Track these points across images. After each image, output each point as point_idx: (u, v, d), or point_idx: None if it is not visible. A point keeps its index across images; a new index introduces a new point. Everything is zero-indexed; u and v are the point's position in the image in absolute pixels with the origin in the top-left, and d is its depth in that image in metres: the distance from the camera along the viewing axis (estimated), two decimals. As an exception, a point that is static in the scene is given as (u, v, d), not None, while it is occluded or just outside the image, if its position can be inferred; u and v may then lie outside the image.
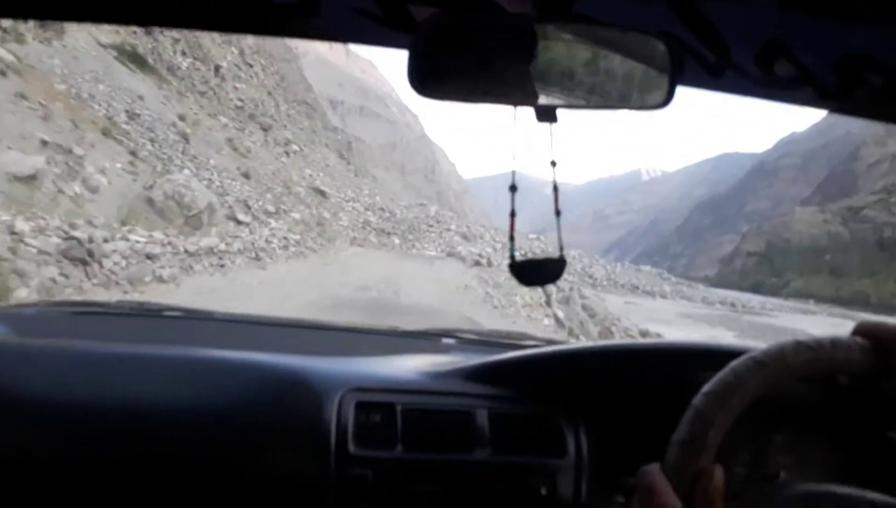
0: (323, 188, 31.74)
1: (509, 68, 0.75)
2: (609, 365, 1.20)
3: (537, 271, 0.93)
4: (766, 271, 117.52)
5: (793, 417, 0.89)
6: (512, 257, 0.88)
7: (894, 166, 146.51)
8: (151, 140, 19.22)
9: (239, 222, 17.62)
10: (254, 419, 1.06)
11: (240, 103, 37.26)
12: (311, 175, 34.74)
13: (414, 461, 1.07)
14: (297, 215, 23.20)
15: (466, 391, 1.17)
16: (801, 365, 0.63)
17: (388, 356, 1.35)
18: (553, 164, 0.83)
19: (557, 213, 0.90)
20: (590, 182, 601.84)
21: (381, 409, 1.10)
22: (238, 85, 38.97)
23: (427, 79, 0.74)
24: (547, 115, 0.78)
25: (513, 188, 0.86)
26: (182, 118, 24.03)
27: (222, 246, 14.11)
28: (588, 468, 1.12)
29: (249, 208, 19.61)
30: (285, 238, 18.73)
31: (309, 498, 1.03)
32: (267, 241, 17.25)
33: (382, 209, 35.96)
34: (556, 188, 0.84)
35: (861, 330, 0.64)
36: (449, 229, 35.78)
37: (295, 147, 38.66)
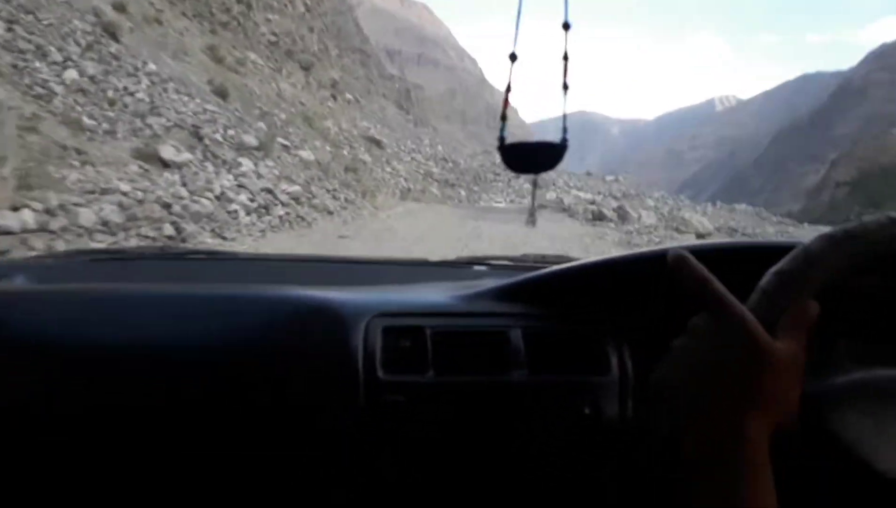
0: (378, 137, 29.93)
1: None
2: (653, 272, 1.05)
3: (530, 157, 0.89)
4: (861, 201, 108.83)
5: (857, 311, 0.83)
6: (501, 138, 0.86)
7: None
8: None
9: (165, 165, 10.77)
10: (277, 352, 1.04)
11: (273, 38, 33.72)
12: (366, 126, 32.84)
13: (447, 384, 1.04)
14: (307, 155, 18.24)
15: (499, 310, 1.13)
16: (887, 240, 0.60)
17: (417, 285, 1.33)
18: (566, 27, 0.76)
19: (565, 87, 0.84)
20: (660, 116, 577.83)
21: (410, 333, 1.07)
22: (270, 16, 34.78)
23: None
24: None
25: (513, 57, 0.80)
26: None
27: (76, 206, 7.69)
28: (633, 384, 1.07)
29: (201, 139, 13.08)
30: (270, 192, 12.16)
31: (340, 427, 1.01)
32: (223, 197, 10.70)
33: (445, 159, 33.81)
34: (566, 57, 0.79)
35: None
36: (517, 177, 33.46)
37: (349, 96, 36.44)
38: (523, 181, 32.50)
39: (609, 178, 40.32)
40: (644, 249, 1.24)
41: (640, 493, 1.06)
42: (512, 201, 28.64)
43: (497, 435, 1.04)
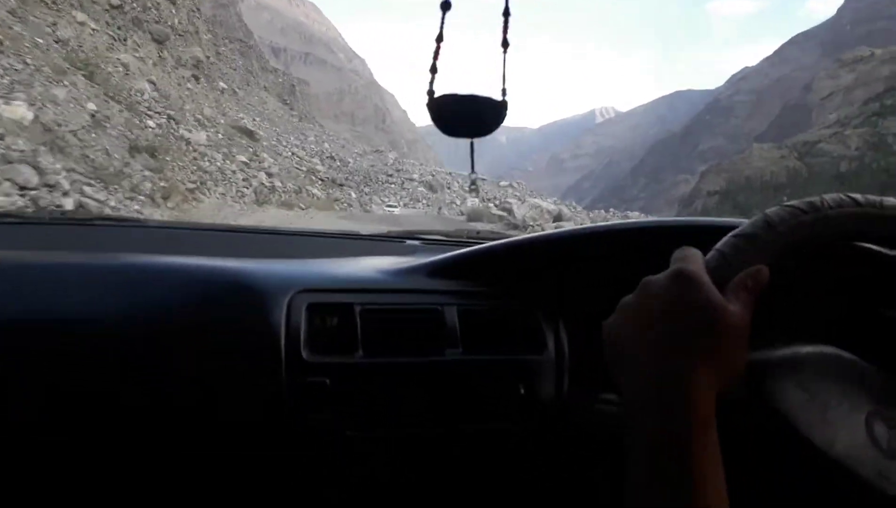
0: (252, 128, 26.36)
1: None
2: (589, 249, 1.09)
3: (467, 113, 0.84)
4: (729, 210, 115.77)
5: (790, 291, 0.80)
6: (430, 91, 0.81)
7: (847, 99, 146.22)
8: None
9: None
10: (192, 327, 0.96)
11: (116, 1, 27.58)
12: (240, 116, 29.03)
13: (377, 365, 0.98)
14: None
15: (433, 287, 1.08)
16: (840, 218, 0.61)
17: (346, 258, 1.25)
18: (506, 13, 0.77)
19: (505, 44, 0.82)
20: (544, 126, 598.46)
21: (338, 310, 1.00)
22: None
23: None
24: None
25: (445, 5, 0.78)
26: None
27: None
28: (570, 364, 1.05)
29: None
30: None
31: (260, 411, 0.94)
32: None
33: (332, 157, 30.82)
34: (506, 13, 0.78)
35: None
36: (412, 179, 31.08)
37: (223, 84, 32.27)
38: (417, 183, 30.21)
39: (503, 183, 39.01)
40: (581, 225, 1.19)
41: (573, 471, 1.05)
42: (406, 205, 26.14)
43: (430, 418, 0.99)
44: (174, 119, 22.24)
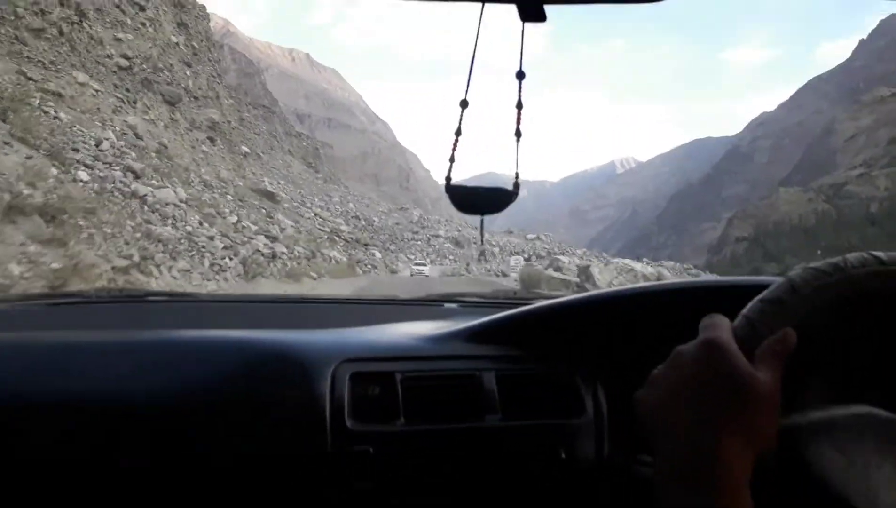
0: (272, 190, 26.30)
1: None
2: (625, 312, 1.11)
3: (478, 198, 0.88)
4: (759, 256, 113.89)
5: (828, 351, 0.82)
6: (448, 178, 0.86)
7: (870, 140, 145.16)
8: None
9: None
10: (240, 400, 0.98)
11: (124, 62, 26.57)
12: (259, 179, 29.07)
13: (418, 432, 0.99)
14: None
15: (471, 353, 1.09)
16: (866, 278, 0.61)
17: (385, 325, 1.28)
18: (520, 76, 0.79)
19: (517, 134, 0.85)
20: (565, 178, 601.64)
21: (380, 379, 1.02)
22: (120, 35, 27.34)
23: None
24: (533, 13, 0.68)
25: (463, 104, 0.83)
26: None
27: None
28: (609, 426, 1.05)
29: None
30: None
31: (306, 479, 0.96)
32: None
33: (357, 217, 30.91)
34: (519, 106, 0.81)
35: None
36: (437, 236, 30.97)
37: (245, 148, 32.60)
38: (443, 240, 29.93)
39: (530, 236, 38.65)
40: (615, 288, 1.21)
41: None
42: (433, 262, 25.81)
43: (471, 484, 1.00)
44: (134, 172, 19.34)
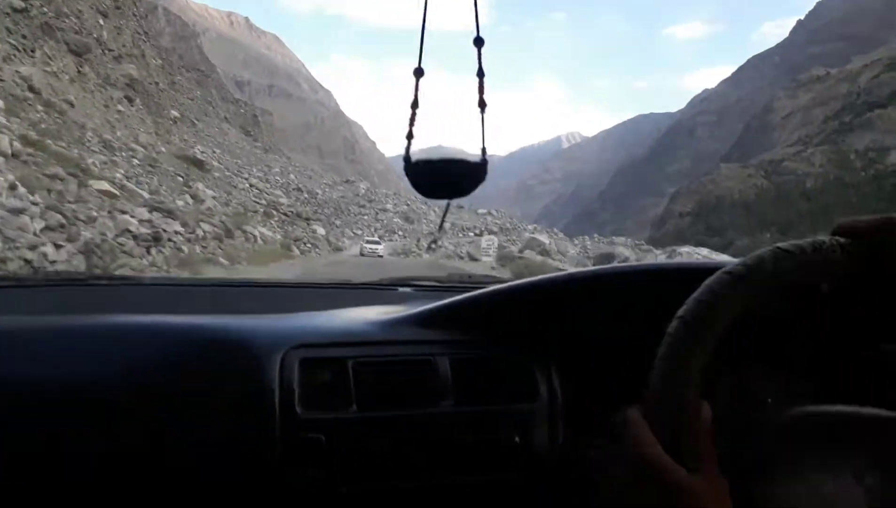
0: (201, 158, 23.38)
1: None
2: (577, 295, 1.11)
3: (445, 177, 0.85)
4: (703, 230, 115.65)
5: (771, 340, 0.86)
6: (407, 158, 0.84)
7: (807, 117, 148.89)
8: None
9: None
10: (186, 387, 0.97)
11: (19, 3, 22.62)
12: (189, 145, 26.06)
13: (371, 419, 0.99)
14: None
15: (424, 338, 1.09)
16: (783, 273, 0.60)
17: (337, 310, 1.25)
18: (478, 42, 0.78)
19: (481, 104, 0.83)
20: (512, 152, 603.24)
21: (331, 365, 1.01)
22: None
23: None
24: None
25: (418, 72, 0.79)
26: None
27: None
28: (563, 410, 1.06)
29: None
30: None
31: (255, 468, 0.94)
32: None
33: (299, 189, 28.64)
34: (480, 74, 0.79)
35: (840, 229, 0.62)
36: (385, 210, 29.00)
37: (174, 113, 29.15)
38: (392, 215, 27.91)
39: (481, 211, 36.98)
40: (570, 269, 1.23)
41: None
42: (382, 238, 23.80)
43: (425, 470, 1.00)
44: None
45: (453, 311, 1.13)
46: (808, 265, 0.59)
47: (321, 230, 24.06)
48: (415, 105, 0.80)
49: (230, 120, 46.97)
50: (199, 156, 24.11)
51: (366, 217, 27.50)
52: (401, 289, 1.64)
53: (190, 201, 20.75)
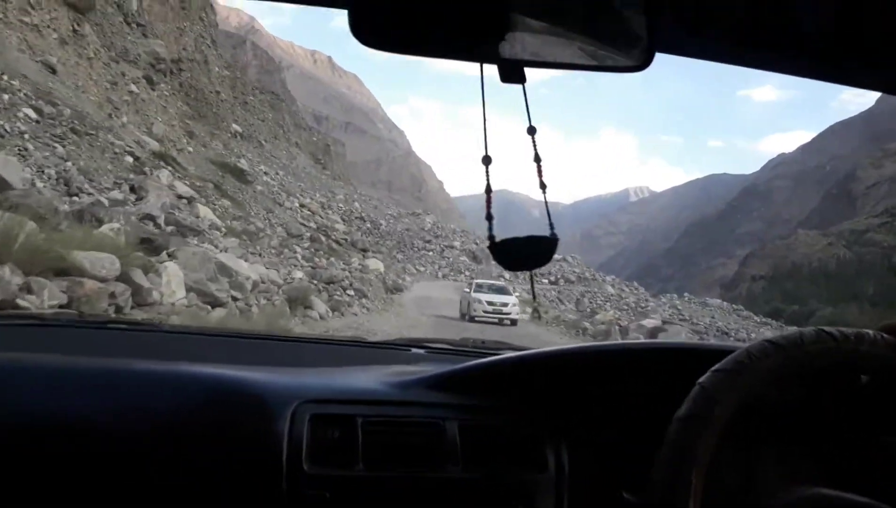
0: (242, 168, 21.86)
1: (468, 18, 0.67)
2: (592, 369, 1.12)
3: (522, 252, 0.90)
4: (777, 296, 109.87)
5: (781, 427, 0.87)
6: (491, 236, 0.86)
7: (893, 189, 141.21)
8: None
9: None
10: (195, 436, 0.98)
11: None
12: (244, 155, 24.65)
13: (377, 479, 0.99)
14: None
15: (434, 401, 1.09)
16: (820, 354, 0.61)
17: (349, 367, 1.28)
18: (531, 131, 0.82)
19: (542, 186, 0.88)
20: (577, 201, 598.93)
21: (340, 423, 1.01)
22: None
23: (372, 25, 0.65)
24: (513, 74, 0.71)
25: (486, 160, 0.83)
26: None
27: None
28: (570, 483, 1.05)
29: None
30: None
31: None
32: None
33: (362, 218, 27.53)
34: (537, 159, 0.83)
35: (888, 327, 0.64)
36: (452, 246, 27.59)
37: (235, 127, 28.53)
38: (458, 253, 26.37)
39: (556, 257, 35.16)
40: (583, 345, 1.21)
41: None
42: (446, 277, 22.23)
43: None
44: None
45: (466, 375, 1.12)
46: (847, 353, 0.60)
47: (376, 264, 21.47)
48: (488, 190, 0.83)
49: (301, 146, 47.06)
50: (243, 167, 22.57)
51: (430, 253, 26.11)
52: (414, 350, 1.62)
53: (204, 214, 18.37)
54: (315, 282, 17.01)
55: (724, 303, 40.77)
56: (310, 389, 1.04)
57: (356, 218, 27.62)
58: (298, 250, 21.04)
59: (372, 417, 1.01)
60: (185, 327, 1.81)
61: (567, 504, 1.02)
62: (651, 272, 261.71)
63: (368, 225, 27.45)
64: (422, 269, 23.92)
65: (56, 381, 1.00)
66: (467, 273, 22.50)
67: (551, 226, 0.84)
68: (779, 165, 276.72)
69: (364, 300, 18.09)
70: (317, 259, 21.58)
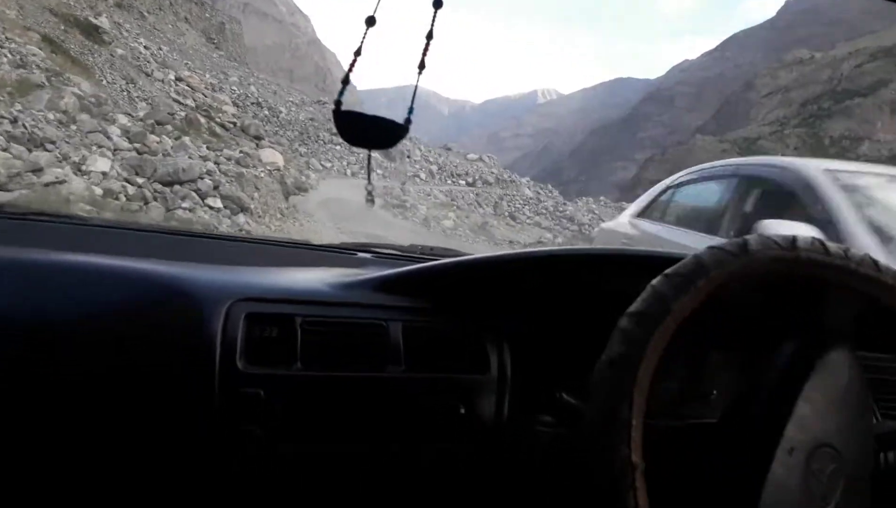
0: (98, 24, 17.20)
1: None
2: (536, 273, 1.13)
3: (366, 130, 0.87)
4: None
5: (729, 333, 0.86)
6: (338, 102, 0.84)
7: (786, 98, 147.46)
8: None
9: None
10: (124, 331, 0.95)
11: None
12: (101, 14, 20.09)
13: (315, 378, 0.98)
14: None
15: (379, 302, 1.09)
16: (772, 261, 0.62)
17: (291, 268, 1.24)
18: (437, 4, 0.78)
19: (421, 66, 0.83)
20: (486, 102, 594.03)
21: (279, 322, 0.99)
22: None
23: None
24: None
25: (370, 21, 0.79)
26: None
27: None
28: (511, 385, 1.07)
29: None
30: None
31: (191, 420, 0.93)
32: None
33: (258, 104, 24.21)
34: (429, 36, 0.79)
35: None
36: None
37: None
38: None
39: (471, 156, 33.23)
40: (529, 248, 1.22)
41: (511, 494, 1.04)
42: (355, 175, 19.98)
43: (366, 434, 0.99)
44: None
45: (410, 278, 1.11)
46: (791, 261, 0.61)
47: (274, 157, 16.42)
48: (358, 53, 0.80)
49: (191, 22, 41.61)
50: (96, 22, 17.99)
51: (338, 147, 23.42)
52: (360, 254, 1.57)
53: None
54: (138, 180, 10.59)
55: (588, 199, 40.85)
56: (246, 286, 1.00)
57: (252, 104, 24.31)
58: (116, 130, 12.94)
59: (312, 317, 0.98)
60: (115, 221, 1.70)
61: (508, 406, 1.03)
62: (554, 175, 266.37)
63: (266, 112, 24.26)
64: (328, 165, 21.46)
65: None
66: (379, 171, 20.34)
67: (411, 111, 0.79)
68: (682, 71, 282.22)
69: (242, 218, 11.43)
70: (153, 137, 13.40)
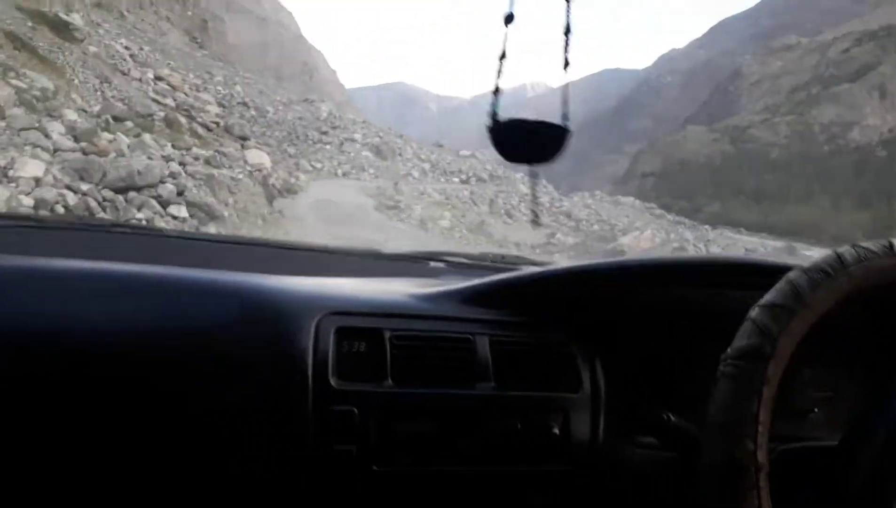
0: (69, 20, 16.09)
1: None
2: (630, 284, 1.08)
3: (527, 141, 0.80)
4: (667, 192, 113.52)
5: (824, 347, 0.80)
6: (494, 113, 0.76)
7: (775, 86, 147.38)
8: None
9: None
10: (215, 348, 0.92)
11: None
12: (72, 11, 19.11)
13: (406, 395, 0.95)
14: None
15: (464, 315, 1.04)
16: (871, 273, 0.58)
17: (369, 279, 1.20)
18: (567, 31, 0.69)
19: (566, 64, 0.74)
20: (476, 97, 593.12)
21: (367, 336, 0.96)
22: None
23: None
24: None
25: (508, 18, 0.69)
26: None
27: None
28: (605, 403, 1.02)
29: None
30: None
31: (284, 439, 0.90)
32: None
33: (245, 104, 23.38)
34: (568, 31, 0.69)
35: None
36: (353, 140, 24.09)
37: None
38: (360, 147, 23.18)
39: (464, 152, 32.48)
40: (620, 259, 1.13)
41: None
42: (347, 175, 19.19)
43: (459, 453, 0.96)
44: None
45: (495, 289, 1.07)
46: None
47: (260, 158, 14.82)
48: (503, 56, 0.68)
49: (173, 21, 40.60)
50: (67, 18, 16.67)
51: (328, 147, 22.66)
52: (432, 263, 1.53)
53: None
54: (82, 186, 9.04)
55: (637, 201, 40.20)
56: (333, 300, 0.97)
57: (238, 103, 23.42)
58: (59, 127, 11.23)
59: (400, 331, 0.96)
60: (195, 233, 1.67)
61: (603, 424, 0.98)
62: (546, 169, 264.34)
63: (253, 112, 23.37)
64: (318, 165, 20.63)
65: (61, 285, 0.91)
66: (371, 171, 19.57)
67: (565, 117, 0.64)
68: (670, 60, 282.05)
69: (213, 228, 9.56)
70: (106, 135, 11.71)
